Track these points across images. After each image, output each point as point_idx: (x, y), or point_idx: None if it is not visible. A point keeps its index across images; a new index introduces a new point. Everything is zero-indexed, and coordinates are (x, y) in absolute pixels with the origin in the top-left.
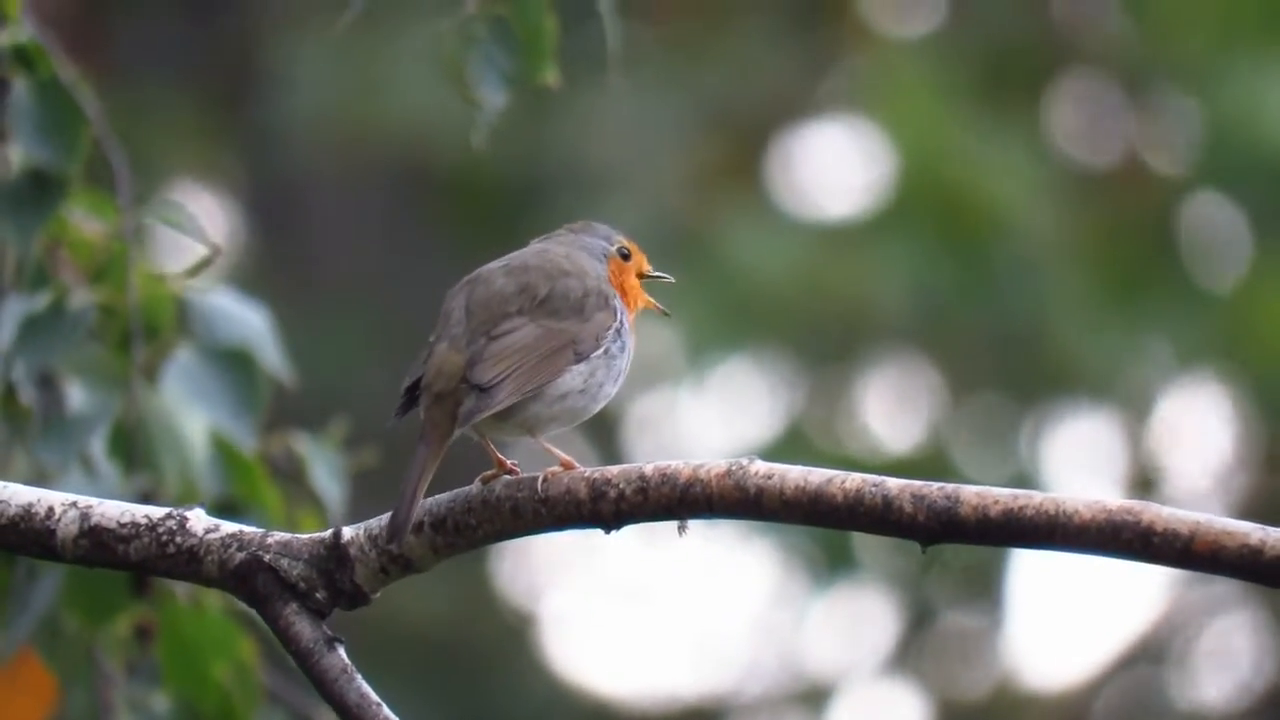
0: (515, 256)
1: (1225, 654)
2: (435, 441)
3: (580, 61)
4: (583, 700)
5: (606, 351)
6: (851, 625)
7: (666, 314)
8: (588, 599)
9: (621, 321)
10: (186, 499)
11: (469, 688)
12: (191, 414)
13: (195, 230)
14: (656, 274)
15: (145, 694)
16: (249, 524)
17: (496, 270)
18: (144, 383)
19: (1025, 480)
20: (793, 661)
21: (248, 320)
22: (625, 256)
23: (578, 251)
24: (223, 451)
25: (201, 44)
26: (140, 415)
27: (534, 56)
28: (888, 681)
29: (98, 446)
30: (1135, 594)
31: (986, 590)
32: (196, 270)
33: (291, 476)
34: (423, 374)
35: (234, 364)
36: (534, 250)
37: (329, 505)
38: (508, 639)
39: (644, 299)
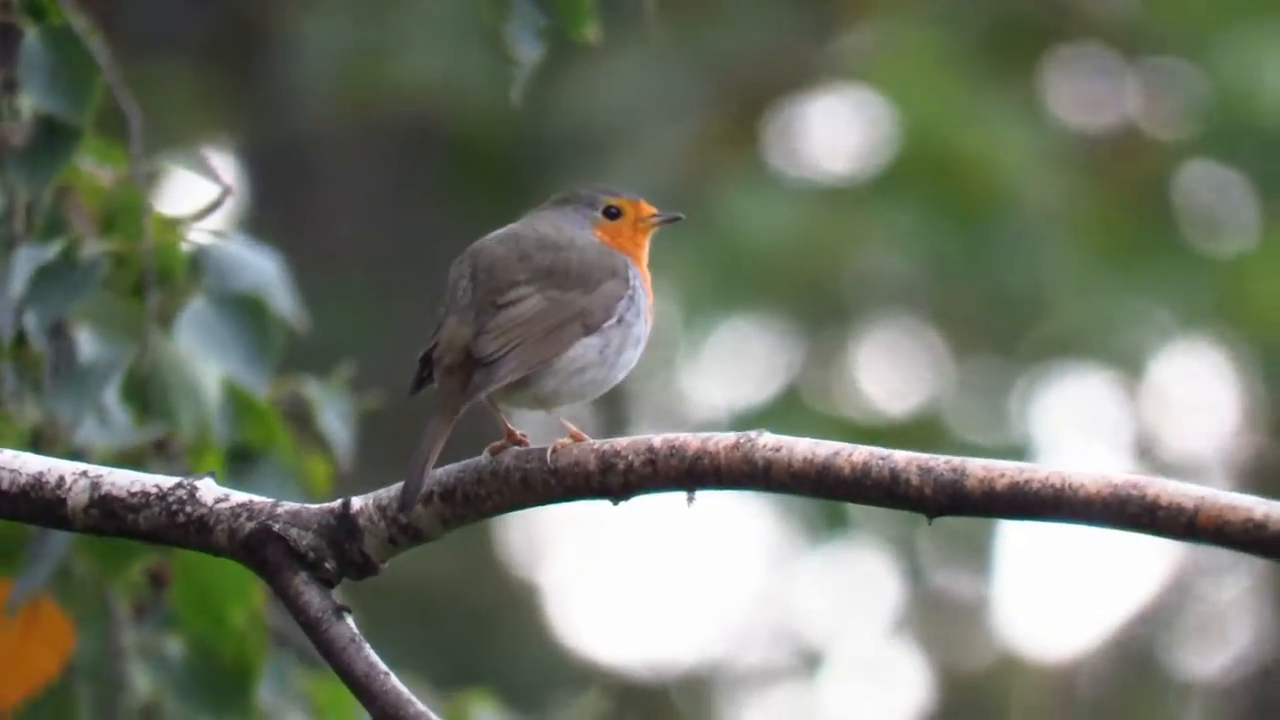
0: (508, 230)
1: (1221, 624)
2: (447, 413)
3: (612, 14)
4: (583, 665)
5: (621, 320)
6: (848, 590)
7: (679, 216)
8: (588, 565)
9: (635, 287)
10: (201, 447)
11: (471, 652)
12: (206, 362)
13: (207, 171)
14: (663, 217)
15: (156, 639)
16: (266, 472)
17: (491, 239)
18: (157, 331)
19: (1023, 446)
20: (789, 626)
21: (260, 267)
22: (614, 215)
23: (562, 225)
24: (236, 399)
25: (208, 7)
26: (154, 363)
27: (573, 12)
28: (884, 647)
29: (111, 396)
30: (1132, 563)
31: (981, 557)
32: (208, 211)
33: (299, 420)
34: (433, 347)
35: (247, 311)
36: (524, 223)
37: (337, 448)
38: (510, 604)
39: (645, 243)
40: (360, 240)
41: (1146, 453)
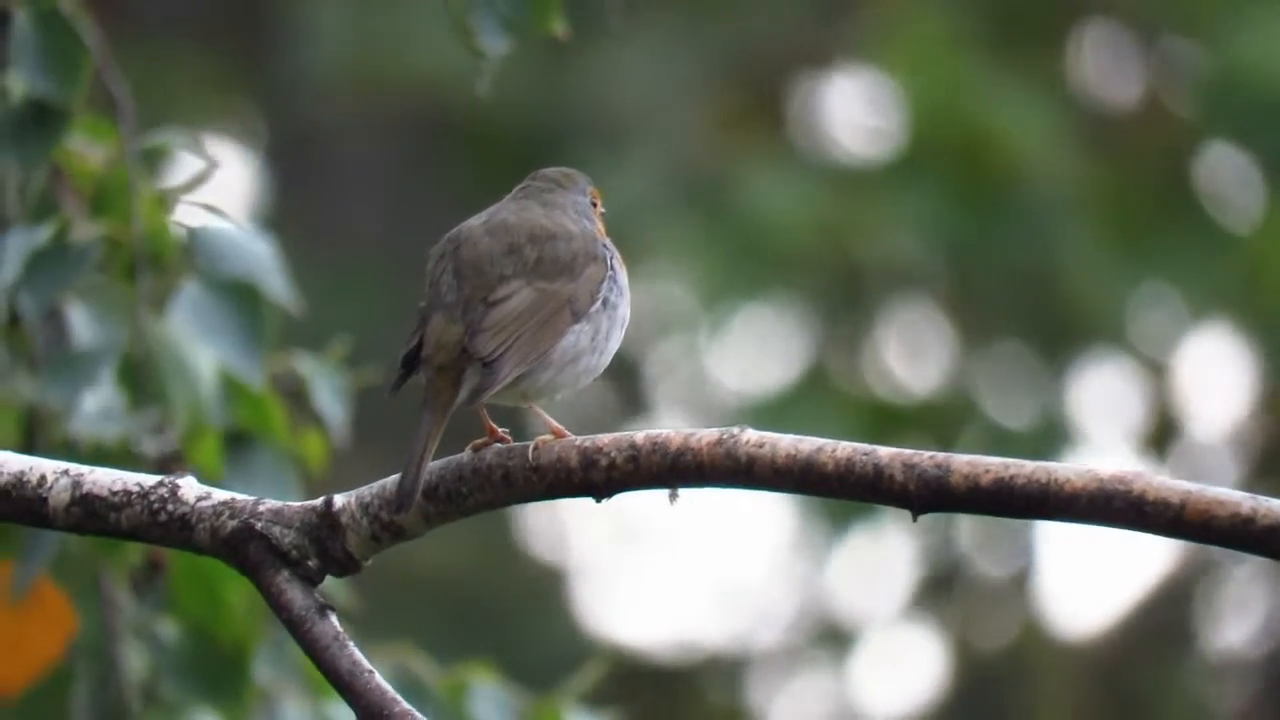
0: (494, 212)
1: (1247, 600)
2: (439, 410)
3: (587, 7)
4: (606, 649)
5: (605, 302)
6: (874, 570)
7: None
8: (610, 549)
9: (613, 267)
10: (195, 431)
11: (492, 637)
12: (200, 349)
13: (194, 146)
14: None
15: (151, 620)
16: (261, 456)
17: (478, 229)
18: (150, 314)
19: (1048, 427)
20: (815, 608)
21: (253, 250)
22: (593, 204)
23: (556, 211)
24: (230, 384)
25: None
26: (148, 347)
27: (540, 5)
28: (910, 628)
29: (105, 381)
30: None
31: (1010, 536)
32: (194, 185)
33: (294, 397)
34: (417, 344)
35: (240, 297)
36: (512, 208)
37: (331, 425)
38: (531, 588)
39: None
40: (373, 228)
41: (1165, 435)
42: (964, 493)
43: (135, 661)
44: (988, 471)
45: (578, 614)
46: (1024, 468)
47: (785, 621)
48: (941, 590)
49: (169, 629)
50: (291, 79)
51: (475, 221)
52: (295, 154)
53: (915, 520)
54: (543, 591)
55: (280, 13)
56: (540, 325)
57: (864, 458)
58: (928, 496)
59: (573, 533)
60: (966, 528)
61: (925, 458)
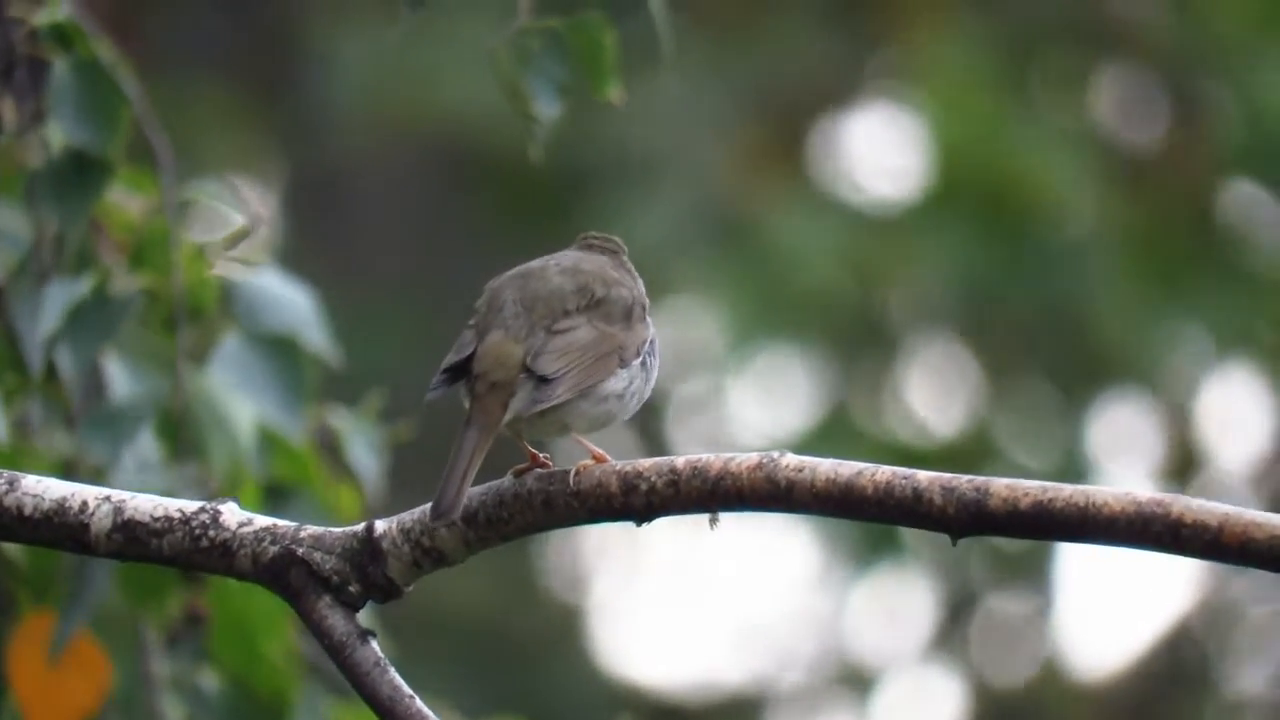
0: (559, 258)
1: (1266, 639)
2: (487, 428)
3: (630, 56)
4: (625, 689)
5: (644, 363)
6: (894, 611)
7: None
8: (629, 587)
9: (654, 335)
10: (234, 484)
11: (512, 676)
12: (239, 402)
13: (237, 201)
14: None
15: (189, 672)
16: (300, 509)
17: (551, 268)
18: (190, 367)
19: (1070, 466)
20: (835, 648)
21: (293, 302)
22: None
23: (607, 267)
24: (270, 441)
25: (240, 33)
26: (187, 402)
27: (595, 72)
28: (931, 667)
29: (145, 435)
30: (1175, 578)
31: (1031, 574)
32: (236, 240)
33: (329, 450)
34: (468, 358)
35: (280, 351)
36: (581, 255)
37: (364, 480)
38: (551, 628)
39: None
40: (397, 267)
41: (1186, 473)
42: (1003, 516)
43: (171, 714)
44: (1026, 495)
45: (597, 653)
46: (1062, 491)
47: (806, 661)
48: (960, 629)
49: (210, 680)
50: (314, 114)
51: (540, 262)
52: (316, 190)
53: (955, 544)
54: (562, 631)
55: (303, 47)
56: (595, 360)
57: (903, 481)
58: (967, 520)
59: (592, 572)
60: (984, 565)
61: (964, 481)
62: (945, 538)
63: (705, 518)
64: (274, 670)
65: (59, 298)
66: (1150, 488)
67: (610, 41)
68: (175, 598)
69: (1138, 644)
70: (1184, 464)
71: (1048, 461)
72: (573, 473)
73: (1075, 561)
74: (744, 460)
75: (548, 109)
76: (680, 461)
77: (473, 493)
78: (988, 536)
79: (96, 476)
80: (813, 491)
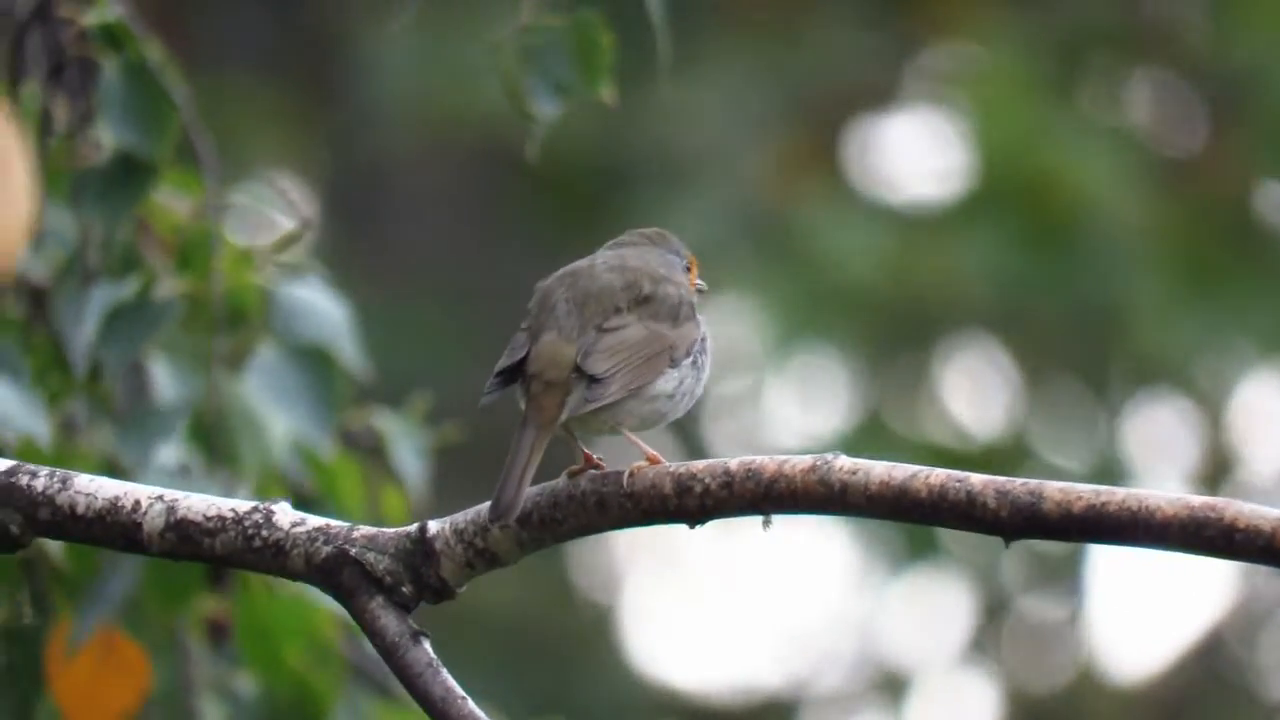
0: (609, 256)
1: None
2: (543, 427)
3: (633, 63)
4: (660, 692)
5: (695, 362)
6: (929, 614)
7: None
8: (667, 590)
9: (706, 334)
10: (265, 492)
11: (547, 678)
12: (272, 411)
13: (285, 205)
14: (698, 285)
15: (228, 674)
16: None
17: (599, 266)
18: (225, 373)
19: (1106, 469)
20: (870, 651)
21: (330, 314)
22: (687, 269)
23: (656, 262)
24: (300, 452)
25: (283, 33)
26: (219, 407)
27: (590, 71)
28: (966, 671)
29: (177, 437)
30: (1210, 582)
31: (1066, 578)
32: (284, 245)
33: (373, 453)
34: (521, 360)
35: (314, 364)
36: (628, 253)
37: (409, 483)
38: (586, 630)
39: None
40: (439, 268)
41: (1222, 478)
42: (1056, 520)
43: (212, 716)
44: (1080, 498)
45: (633, 656)
46: (1115, 494)
47: (841, 664)
48: (994, 632)
49: (247, 685)
50: (358, 114)
51: (587, 261)
52: (360, 190)
53: (1008, 547)
54: (598, 633)
55: (346, 49)
56: (645, 359)
57: (957, 485)
58: (1020, 523)
59: (628, 574)
60: (1019, 569)
61: (1018, 485)
62: (981, 540)
63: (746, 521)
64: (297, 677)
65: (103, 300)
66: (1183, 490)
67: (607, 41)
68: (201, 602)
69: (1172, 648)
70: (1219, 467)
71: (1083, 464)
72: (626, 474)
73: (1110, 565)
74: (798, 463)
75: (546, 109)
76: (734, 463)
77: (527, 493)
78: (1039, 540)
79: (127, 477)
80: (866, 494)
